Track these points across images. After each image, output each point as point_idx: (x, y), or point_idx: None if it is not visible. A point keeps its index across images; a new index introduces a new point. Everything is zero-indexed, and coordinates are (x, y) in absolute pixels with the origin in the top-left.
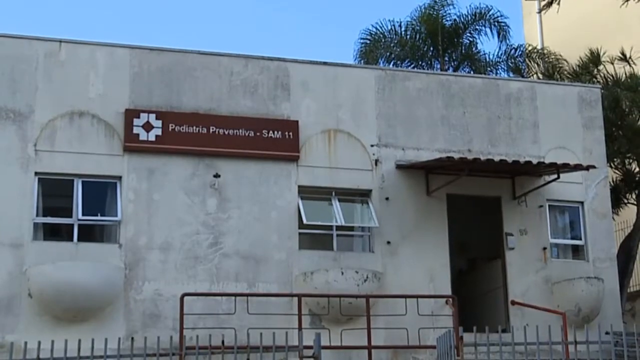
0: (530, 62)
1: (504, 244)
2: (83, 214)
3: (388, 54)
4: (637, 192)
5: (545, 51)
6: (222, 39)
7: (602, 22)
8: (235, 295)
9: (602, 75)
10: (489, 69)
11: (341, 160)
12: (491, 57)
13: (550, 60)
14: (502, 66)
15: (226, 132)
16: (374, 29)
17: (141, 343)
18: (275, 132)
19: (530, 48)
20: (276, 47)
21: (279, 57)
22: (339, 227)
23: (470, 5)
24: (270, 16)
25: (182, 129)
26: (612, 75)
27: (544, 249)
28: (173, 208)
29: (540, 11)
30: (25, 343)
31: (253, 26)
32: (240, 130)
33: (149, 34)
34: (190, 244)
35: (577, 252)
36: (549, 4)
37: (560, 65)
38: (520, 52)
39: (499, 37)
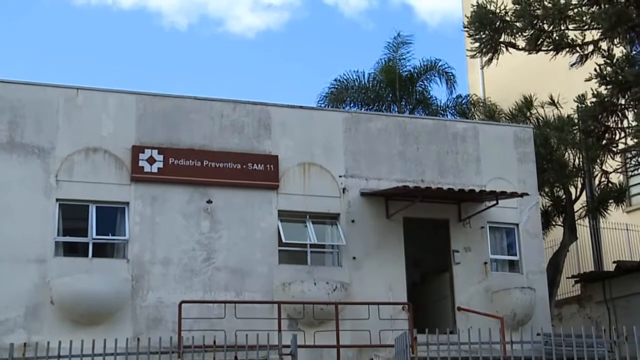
0: (473, 108)
1: (451, 259)
2: (97, 234)
3: (353, 99)
4: (563, 215)
5: (488, 102)
6: (214, 84)
7: (534, 72)
8: (225, 302)
9: (534, 117)
10: (439, 113)
11: (314, 189)
12: (441, 103)
13: (490, 106)
14: (451, 111)
15: (217, 165)
16: (342, 79)
17: (146, 343)
18: (259, 165)
19: (475, 98)
20: (258, 91)
21: (262, 102)
22: (312, 245)
23: (422, 58)
24: (256, 65)
25: (180, 162)
26: (542, 117)
27: (485, 263)
28: (172, 229)
29: (482, 67)
30: (48, 343)
31: (241, 73)
32: (229, 164)
33: (153, 80)
34: (187, 259)
35: (513, 266)
36: (489, 61)
37: (500, 111)
38: (465, 101)
39: (446, 85)
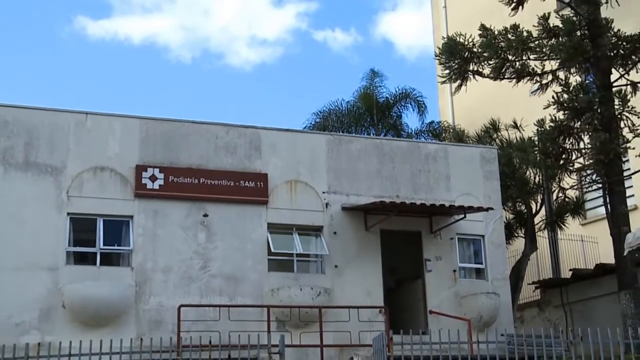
0: (444, 133)
1: (423, 267)
2: (104, 245)
3: (336, 123)
4: (524, 228)
5: (457, 128)
6: (214, 112)
7: (499, 98)
8: (220, 306)
9: (498, 139)
10: (411, 137)
11: (300, 204)
12: (415, 128)
13: (458, 131)
14: (424, 135)
15: (213, 183)
16: (325, 107)
17: (148, 343)
18: (250, 183)
19: (446, 124)
20: (254, 119)
21: (252, 125)
22: (298, 254)
23: (397, 87)
24: (252, 95)
25: (179, 180)
26: (506, 139)
27: (454, 271)
28: (172, 240)
29: (452, 93)
30: (60, 343)
31: (239, 102)
32: (223, 181)
33: (159, 109)
34: (185, 267)
35: (479, 273)
36: (459, 87)
37: (467, 135)
38: (437, 125)
39: (418, 111)
